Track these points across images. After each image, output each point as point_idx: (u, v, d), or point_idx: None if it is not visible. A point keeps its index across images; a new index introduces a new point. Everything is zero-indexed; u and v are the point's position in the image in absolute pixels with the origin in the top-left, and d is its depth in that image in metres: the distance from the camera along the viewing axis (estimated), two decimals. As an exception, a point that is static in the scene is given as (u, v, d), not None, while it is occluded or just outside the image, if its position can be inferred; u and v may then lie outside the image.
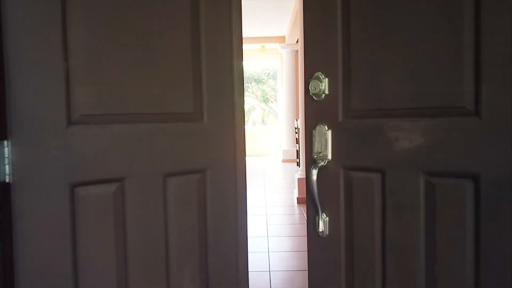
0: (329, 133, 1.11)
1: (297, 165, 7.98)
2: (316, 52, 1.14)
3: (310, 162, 1.14)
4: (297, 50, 8.84)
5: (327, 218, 1.13)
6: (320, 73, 1.12)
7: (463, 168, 0.92)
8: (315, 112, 1.14)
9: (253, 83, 11.76)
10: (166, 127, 1.17)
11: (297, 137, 8.18)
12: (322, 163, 1.11)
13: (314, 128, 1.13)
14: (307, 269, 1.19)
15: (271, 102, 11.87)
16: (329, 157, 1.11)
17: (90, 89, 1.05)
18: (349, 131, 1.09)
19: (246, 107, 12.37)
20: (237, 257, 1.30)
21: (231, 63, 1.29)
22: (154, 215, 1.14)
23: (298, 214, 4.42)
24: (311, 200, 1.14)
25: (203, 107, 1.23)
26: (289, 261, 3.06)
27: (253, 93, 11.94)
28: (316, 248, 1.16)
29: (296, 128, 8.26)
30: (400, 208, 1.01)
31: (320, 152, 1.12)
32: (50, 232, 0.99)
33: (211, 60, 1.24)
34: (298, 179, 4.88)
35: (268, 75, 11.62)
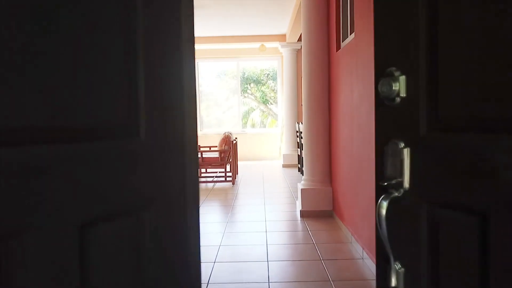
0: (407, 152, 0.80)
1: (299, 171, 7.69)
2: (390, 40, 0.82)
3: (380, 190, 0.82)
4: (298, 49, 8.54)
5: (402, 269, 0.81)
6: (394, 68, 0.81)
7: None
8: (386, 121, 0.83)
9: (252, 84, 11.45)
10: (83, 150, 0.77)
11: (298, 141, 7.88)
12: (396, 194, 0.80)
13: (386, 144, 0.82)
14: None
15: (271, 103, 11.58)
16: (406, 185, 0.80)
17: None
18: (435, 150, 0.77)
19: (245, 108, 12.10)
20: None
21: (179, 55, 0.93)
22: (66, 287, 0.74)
23: (302, 230, 4.00)
24: (381, 242, 0.82)
25: (139, 117, 0.85)
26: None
27: (252, 94, 11.63)
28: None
29: (297, 132, 7.95)
30: (511, 271, 0.67)
31: (393, 178, 0.81)
32: None
33: (152, 52, 0.89)
34: (302, 189, 4.49)
35: (267, 76, 11.32)
